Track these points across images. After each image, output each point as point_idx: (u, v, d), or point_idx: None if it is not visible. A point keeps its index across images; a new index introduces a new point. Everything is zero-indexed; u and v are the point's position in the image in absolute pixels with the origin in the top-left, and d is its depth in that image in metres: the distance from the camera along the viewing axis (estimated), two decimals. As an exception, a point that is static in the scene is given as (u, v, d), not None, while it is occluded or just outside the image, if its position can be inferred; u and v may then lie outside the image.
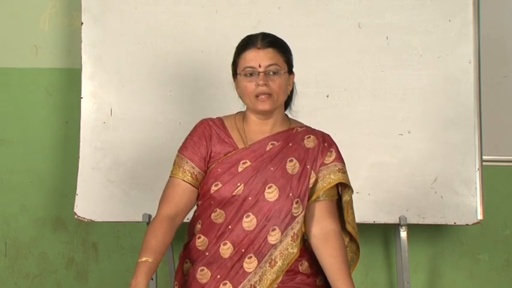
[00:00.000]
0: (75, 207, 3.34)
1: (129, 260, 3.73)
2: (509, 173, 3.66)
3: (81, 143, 3.36)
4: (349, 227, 2.50)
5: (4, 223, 3.74)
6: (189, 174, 2.43)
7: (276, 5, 3.33)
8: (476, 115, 3.28)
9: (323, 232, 2.42)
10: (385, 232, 3.66)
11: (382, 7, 3.30)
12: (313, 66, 3.28)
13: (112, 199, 3.34)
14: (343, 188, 2.49)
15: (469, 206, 3.25)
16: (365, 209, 3.24)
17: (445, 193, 3.26)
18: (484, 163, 3.30)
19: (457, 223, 3.28)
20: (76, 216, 3.34)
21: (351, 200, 2.51)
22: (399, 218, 3.27)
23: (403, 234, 3.29)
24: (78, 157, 3.36)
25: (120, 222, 3.46)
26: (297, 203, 2.38)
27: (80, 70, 3.39)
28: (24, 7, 3.68)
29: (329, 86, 3.31)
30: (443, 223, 3.29)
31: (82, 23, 3.39)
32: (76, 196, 3.34)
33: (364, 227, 3.32)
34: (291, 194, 2.39)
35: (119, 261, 3.74)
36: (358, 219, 3.22)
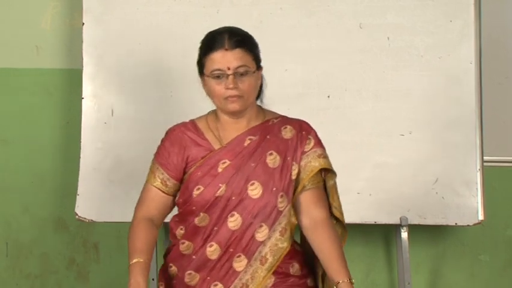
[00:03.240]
0: (76, 207, 3.34)
1: (130, 261, 3.73)
2: (510, 174, 3.66)
3: (82, 144, 3.37)
4: (336, 212, 2.45)
5: (5, 223, 3.74)
6: (159, 180, 2.41)
7: (278, 6, 3.32)
8: (478, 116, 3.28)
9: (312, 222, 2.39)
10: (386, 232, 3.65)
11: (384, 8, 3.30)
12: (314, 66, 3.28)
13: (113, 199, 3.34)
14: (326, 173, 2.44)
15: (470, 206, 3.25)
16: (366, 210, 3.24)
17: (446, 194, 3.27)
18: (485, 164, 3.30)
19: (458, 224, 3.28)
20: (77, 217, 3.34)
21: (335, 185, 2.46)
22: (400, 219, 3.27)
23: (404, 234, 3.29)
24: (79, 157, 3.36)
25: (121, 222, 3.44)
26: (281, 196, 2.35)
27: (81, 70, 3.39)
28: (25, 7, 3.68)
29: (330, 86, 3.31)
30: (444, 224, 3.29)
31: (83, 24, 3.39)
32: (77, 196, 3.35)
33: (365, 228, 3.33)
34: (274, 189, 2.35)
35: (120, 262, 3.73)
36: (359, 220, 3.24)
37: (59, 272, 3.75)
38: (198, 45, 3.32)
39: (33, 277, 3.75)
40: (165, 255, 2.49)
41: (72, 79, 3.64)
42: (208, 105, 3.28)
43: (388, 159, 3.29)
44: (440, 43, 3.28)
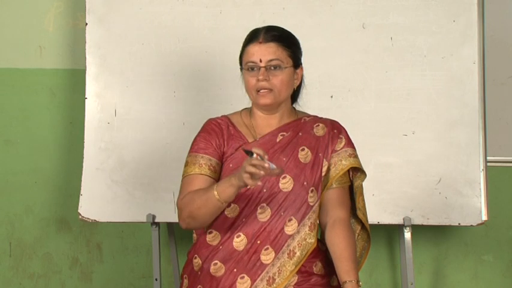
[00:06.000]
0: (79, 207, 3.34)
1: (133, 261, 3.73)
2: (514, 174, 3.67)
3: (85, 144, 3.37)
4: (359, 213, 2.48)
5: (9, 223, 3.74)
6: (206, 167, 2.39)
7: (280, 6, 3.32)
8: (481, 115, 3.27)
9: (330, 221, 2.41)
10: (390, 233, 3.65)
11: (387, 7, 3.30)
12: (317, 66, 3.27)
13: (116, 199, 3.34)
14: (354, 173, 2.48)
15: (473, 206, 3.24)
16: (369, 210, 3.19)
17: (450, 194, 3.26)
18: (488, 164, 3.29)
19: (462, 224, 3.27)
20: (80, 217, 3.34)
21: (361, 186, 2.49)
22: (403, 219, 3.26)
23: (407, 235, 3.29)
24: (83, 157, 3.36)
25: (124, 222, 3.46)
26: (312, 191, 2.38)
27: (84, 71, 3.39)
28: (28, 8, 3.69)
29: (333, 86, 3.31)
30: (447, 224, 3.28)
31: (86, 24, 3.39)
32: (80, 196, 3.35)
33: (368, 228, 3.32)
34: (305, 183, 2.38)
35: (123, 262, 3.74)
36: (362, 220, 3.22)
37: (62, 272, 3.76)
38: (202, 44, 3.36)
39: (37, 277, 3.76)
40: (189, 252, 2.48)
41: (76, 79, 3.65)
42: (212, 105, 3.31)
43: (391, 160, 3.28)
44: (443, 43, 3.28)
